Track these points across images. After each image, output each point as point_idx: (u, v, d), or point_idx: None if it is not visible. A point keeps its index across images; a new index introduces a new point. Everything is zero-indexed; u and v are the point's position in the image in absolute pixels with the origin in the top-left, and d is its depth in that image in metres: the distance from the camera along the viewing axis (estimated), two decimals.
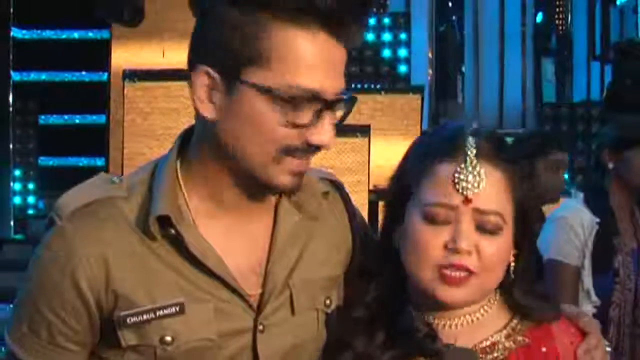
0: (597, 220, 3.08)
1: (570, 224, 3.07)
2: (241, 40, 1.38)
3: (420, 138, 1.58)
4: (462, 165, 1.45)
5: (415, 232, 1.48)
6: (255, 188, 1.47)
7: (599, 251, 3.05)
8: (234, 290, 1.45)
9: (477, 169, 1.45)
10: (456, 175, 1.45)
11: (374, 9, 8.57)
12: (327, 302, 1.54)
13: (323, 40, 1.39)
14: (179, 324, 1.42)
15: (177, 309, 1.42)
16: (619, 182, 3.14)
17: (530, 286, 1.55)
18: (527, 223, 1.51)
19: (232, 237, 1.48)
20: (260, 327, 1.46)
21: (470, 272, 1.44)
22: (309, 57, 1.38)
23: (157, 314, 1.41)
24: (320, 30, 1.38)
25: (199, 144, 1.47)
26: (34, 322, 1.44)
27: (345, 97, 1.43)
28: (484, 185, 1.44)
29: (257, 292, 1.47)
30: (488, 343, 1.50)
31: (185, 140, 1.50)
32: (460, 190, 1.44)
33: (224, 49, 1.39)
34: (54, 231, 1.44)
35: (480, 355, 1.49)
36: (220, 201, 1.48)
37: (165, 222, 1.43)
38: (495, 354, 1.49)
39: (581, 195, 3.24)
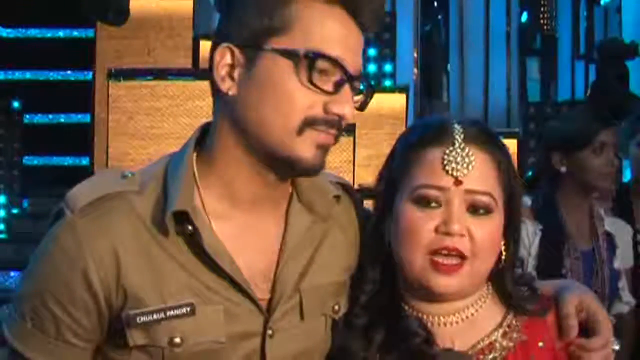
0: (541, 227, 3.05)
1: None
2: (262, 13, 1.40)
3: (407, 130, 1.60)
4: (451, 148, 1.47)
5: (406, 217, 1.48)
6: (273, 175, 1.45)
7: (546, 258, 3.02)
8: (244, 293, 1.44)
9: (466, 150, 1.46)
10: (445, 157, 1.46)
11: None
12: (336, 307, 1.54)
13: (341, 15, 1.42)
14: (189, 325, 1.41)
15: (188, 309, 1.41)
16: (573, 184, 3.09)
17: (521, 275, 1.57)
18: (515, 209, 1.52)
19: (243, 239, 1.47)
20: (270, 332, 1.45)
21: (462, 258, 1.45)
22: (331, 27, 1.41)
23: (167, 314, 1.40)
24: (337, 6, 1.42)
25: (219, 133, 1.46)
26: (40, 319, 1.41)
27: (364, 79, 1.45)
28: (473, 166, 1.46)
29: (266, 296, 1.46)
30: (486, 343, 1.50)
31: (202, 136, 1.50)
32: (450, 172, 1.46)
33: (245, 23, 1.42)
34: (64, 225, 1.41)
35: (479, 357, 1.49)
36: (235, 198, 1.46)
37: (181, 218, 1.41)
38: (494, 354, 1.49)
39: (529, 201, 3.17)
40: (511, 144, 5.59)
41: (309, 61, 1.39)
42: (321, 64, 1.39)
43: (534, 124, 10.37)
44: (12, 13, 8.07)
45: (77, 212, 1.41)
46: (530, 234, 3.04)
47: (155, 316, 1.40)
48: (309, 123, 1.41)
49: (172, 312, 1.40)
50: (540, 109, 10.66)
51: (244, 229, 1.48)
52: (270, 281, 1.48)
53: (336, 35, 1.41)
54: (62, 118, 8.14)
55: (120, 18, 5.15)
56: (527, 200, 3.18)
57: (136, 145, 3.21)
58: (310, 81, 1.39)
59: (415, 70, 10.36)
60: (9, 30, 8.19)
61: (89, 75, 6.51)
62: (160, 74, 3.31)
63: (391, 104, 4.87)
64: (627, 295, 3.20)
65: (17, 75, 8.25)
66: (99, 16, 5.17)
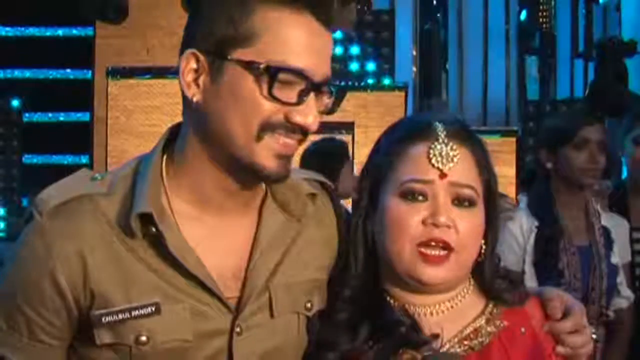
0: (537, 224, 3.03)
1: (509, 229, 3.00)
2: (228, 22, 1.40)
3: (390, 127, 1.62)
4: (435, 143, 1.51)
5: (393, 211, 1.51)
6: (240, 180, 1.46)
7: (543, 254, 3.00)
8: (211, 292, 1.44)
9: (449, 145, 1.51)
10: (430, 151, 1.50)
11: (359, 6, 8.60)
12: (308, 305, 1.54)
13: (308, 21, 1.41)
14: (155, 324, 1.42)
15: (153, 309, 1.42)
16: (562, 181, 3.09)
17: (497, 268, 1.60)
18: (493, 204, 1.56)
19: (213, 239, 1.47)
20: (238, 330, 1.45)
21: (448, 249, 1.47)
22: (297, 37, 1.40)
23: (133, 313, 1.41)
24: (304, 12, 1.41)
25: (186, 137, 1.47)
26: (13, 319, 1.44)
27: (333, 83, 1.44)
28: (457, 160, 1.50)
29: (236, 294, 1.47)
30: (471, 329, 1.54)
31: (172, 138, 1.50)
32: (436, 165, 1.50)
33: (211, 31, 1.41)
34: (33, 228, 1.43)
35: (465, 342, 1.52)
36: (204, 201, 1.47)
37: (146, 220, 1.42)
38: (480, 339, 1.52)
39: (524, 198, 3.15)
40: (510, 142, 5.61)
41: (269, 75, 1.38)
42: (283, 76, 1.38)
43: (533, 122, 10.39)
44: (12, 12, 8.09)
45: (45, 214, 1.43)
46: (526, 230, 3.03)
47: (120, 316, 1.41)
48: (268, 129, 1.40)
49: (137, 312, 1.41)
50: (539, 107, 10.68)
51: (213, 230, 1.48)
52: (241, 280, 1.48)
53: (302, 45, 1.40)
54: (62, 116, 8.16)
55: (119, 17, 5.17)
56: (522, 198, 3.17)
57: (135, 142, 3.22)
58: (270, 93, 1.39)
59: (414, 69, 10.39)
60: (8, 29, 8.21)
61: (88, 74, 6.52)
62: (159, 72, 3.33)
63: (390, 102, 4.89)
64: (625, 290, 3.20)
65: (17, 74, 8.27)
66: (98, 15, 5.19)
